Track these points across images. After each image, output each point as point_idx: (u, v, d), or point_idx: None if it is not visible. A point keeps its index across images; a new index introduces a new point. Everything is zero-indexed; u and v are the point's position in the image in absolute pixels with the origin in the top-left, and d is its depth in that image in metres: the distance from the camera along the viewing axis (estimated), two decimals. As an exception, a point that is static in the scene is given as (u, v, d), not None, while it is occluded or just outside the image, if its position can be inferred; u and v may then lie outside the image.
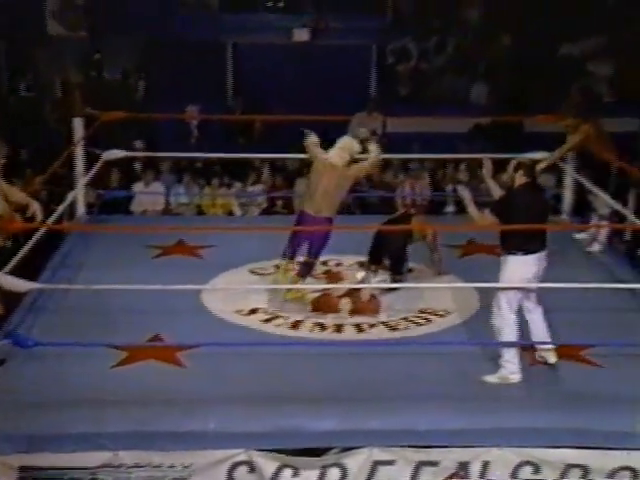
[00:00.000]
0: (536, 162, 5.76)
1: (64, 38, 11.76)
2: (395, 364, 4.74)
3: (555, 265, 4.84)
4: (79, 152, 7.01)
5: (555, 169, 7.55)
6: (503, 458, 4.23)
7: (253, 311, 5.46)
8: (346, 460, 4.22)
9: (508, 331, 4.59)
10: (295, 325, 5.30)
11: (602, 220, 6.68)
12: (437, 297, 5.59)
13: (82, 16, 11.79)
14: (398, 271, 5.71)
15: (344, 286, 5.65)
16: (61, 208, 6.55)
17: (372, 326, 5.30)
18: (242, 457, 4.19)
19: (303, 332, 5.22)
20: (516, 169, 4.68)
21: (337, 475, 4.22)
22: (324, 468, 4.22)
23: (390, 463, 4.22)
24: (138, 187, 9.15)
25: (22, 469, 4.11)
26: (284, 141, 9.58)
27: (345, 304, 5.47)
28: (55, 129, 10.18)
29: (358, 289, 5.55)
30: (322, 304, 5.52)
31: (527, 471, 4.25)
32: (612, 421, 4.27)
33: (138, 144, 9.79)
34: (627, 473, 4.24)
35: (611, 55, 11.19)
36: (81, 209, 7.13)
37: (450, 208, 8.88)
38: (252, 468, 4.19)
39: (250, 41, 11.62)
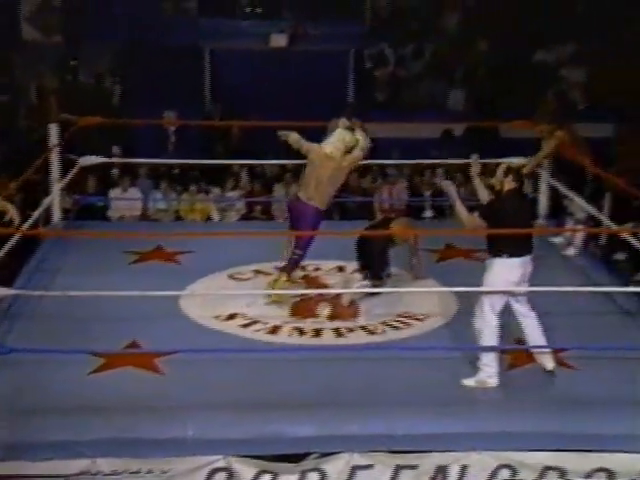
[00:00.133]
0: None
1: (39, 43, 11.67)
2: (373, 369, 4.75)
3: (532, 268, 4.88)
4: (55, 157, 6.95)
5: (531, 174, 7.62)
6: (481, 462, 4.26)
7: (232, 316, 5.45)
8: (325, 465, 4.22)
9: (488, 333, 4.62)
10: (274, 330, 5.29)
11: (578, 224, 6.75)
12: (416, 301, 5.61)
13: (58, 21, 11.71)
14: (377, 276, 5.73)
15: (327, 291, 5.67)
16: (36, 213, 6.49)
17: (351, 331, 5.30)
18: (221, 463, 4.17)
19: (282, 337, 5.21)
20: (506, 174, 4.73)
21: (316, 480, 4.22)
22: (303, 473, 4.22)
23: (369, 468, 4.22)
24: (115, 193, 9.10)
25: (-2, 478, 4.07)
26: (262, 147, 9.60)
27: (324, 309, 5.48)
28: (28, 134, 10.10)
29: (338, 294, 5.56)
30: (301, 309, 5.52)
31: (505, 474, 4.27)
32: (589, 424, 4.31)
33: (115, 150, 9.74)
34: (603, 474, 4.27)
35: (584, 61, 11.33)
36: (57, 215, 7.06)
37: (428, 213, 8.93)
38: (231, 474, 4.17)
39: (228, 47, 11.60)
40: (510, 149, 7.06)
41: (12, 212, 4.92)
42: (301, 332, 5.27)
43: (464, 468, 4.25)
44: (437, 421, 4.29)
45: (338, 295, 5.60)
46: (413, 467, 4.24)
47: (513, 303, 4.70)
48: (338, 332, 5.28)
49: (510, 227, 4.56)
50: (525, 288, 4.68)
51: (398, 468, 4.24)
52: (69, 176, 7.05)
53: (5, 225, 4.99)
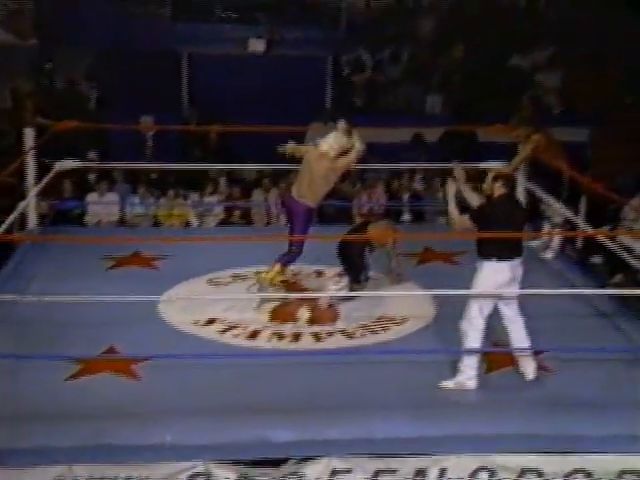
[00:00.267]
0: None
1: (13, 46, 11.54)
2: (353, 373, 4.75)
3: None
4: (30, 162, 6.88)
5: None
6: (460, 465, 4.27)
7: (211, 321, 5.42)
8: (304, 470, 4.20)
9: (472, 335, 4.64)
10: (253, 335, 5.27)
11: (555, 228, 6.80)
12: (395, 305, 5.62)
13: (32, 24, 11.60)
14: (356, 279, 5.73)
15: (309, 295, 5.66)
16: (11, 218, 6.41)
17: (330, 335, 5.30)
18: (200, 469, 4.14)
19: (261, 342, 5.19)
20: (495, 180, 4.76)
21: (296, 485, 4.20)
22: (282, 478, 4.20)
23: (348, 472, 4.22)
24: (92, 198, 9.03)
25: (-29, 486, 4.01)
26: (240, 152, 9.57)
27: (303, 313, 5.46)
28: (1, 138, 9.98)
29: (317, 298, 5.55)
30: (280, 313, 5.50)
31: (483, 476, 4.28)
32: (567, 425, 4.33)
33: (92, 155, 9.66)
34: (581, 475, 4.30)
35: (559, 66, 11.44)
36: (33, 220, 6.99)
37: (406, 217, 8.97)
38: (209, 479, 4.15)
39: (205, 51, 11.56)
40: (489, 153, 7.11)
41: None
42: (280, 337, 5.26)
43: (443, 471, 4.26)
44: (416, 424, 4.30)
45: (318, 299, 5.59)
46: (392, 471, 4.24)
47: (502, 306, 4.73)
48: (317, 336, 5.28)
49: (500, 231, 4.60)
50: (514, 291, 4.71)
51: (377, 472, 4.23)
52: (45, 180, 6.98)
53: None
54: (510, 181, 4.88)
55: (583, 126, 10.51)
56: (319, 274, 6.19)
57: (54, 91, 11.24)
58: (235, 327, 5.35)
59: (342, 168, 5.63)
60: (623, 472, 4.28)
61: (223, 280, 6.11)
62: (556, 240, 6.70)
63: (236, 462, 4.17)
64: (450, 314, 5.00)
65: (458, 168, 5.11)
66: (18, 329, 5.09)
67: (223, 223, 8.94)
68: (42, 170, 7.04)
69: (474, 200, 4.95)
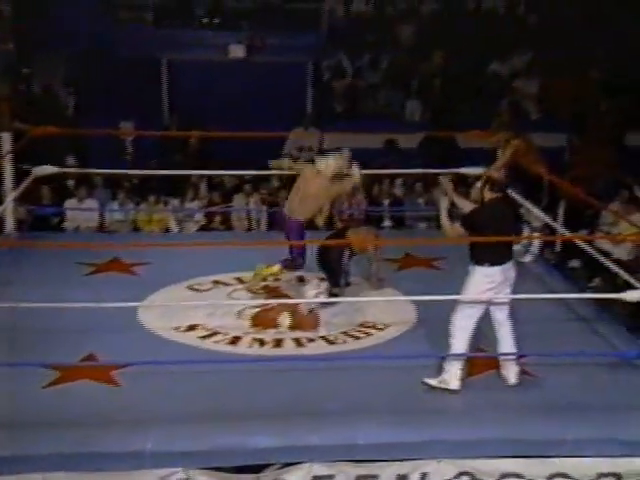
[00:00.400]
0: (478, 177, 5.90)
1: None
2: (334, 379, 4.74)
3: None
4: (7, 167, 6.82)
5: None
6: (441, 470, 4.27)
7: (191, 327, 5.39)
8: (286, 476, 4.19)
9: (460, 337, 4.65)
10: (234, 341, 5.25)
11: (534, 232, 6.85)
12: (376, 310, 5.62)
13: (9, 28, 11.49)
14: (335, 284, 5.73)
15: (287, 301, 5.65)
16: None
17: (311, 341, 5.29)
18: (180, 475, 4.11)
19: (242, 348, 5.17)
20: (484, 184, 4.78)
21: (277, 491, 4.19)
22: (264, 484, 4.18)
23: (330, 478, 4.21)
24: (71, 203, 8.95)
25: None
26: (221, 158, 9.54)
27: (284, 319, 5.45)
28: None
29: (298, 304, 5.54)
30: (261, 319, 5.48)
31: (464, 481, 4.30)
32: (546, 429, 4.35)
33: (70, 160, 9.58)
34: (560, 479, 4.31)
35: (537, 72, 11.54)
36: (10, 225, 6.93)
37: (387, 222, 8.99)
38: (191, 487, 4.12)
39: (185, 57, 11.53)
40: (469, 159, 7.14)
41: None
42: (262, 343, 5.24)
43: (424, 476, 4.26)
44: (397, 430, 4.30)
45: (298, 305, 5.58)
46: (374, 477, 4.24)
47: (493, 310, 4.75)
48: (299, 342, 5.26)
49: (492, 236, 4.61)
50: (504, 296, 4.72)
51: (359, 477, 4.23)
52: (22, 186, 6.92)
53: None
54: (500, 185, 4.86)
55: (561, 132, 10.61)
56: (301, 280, 6.18)
57: (32, 96, 11.13)
58: (216, 333, 5.32)
59: (334, 193, 5.76)
60: (601, 475, 4.30)
61: (204, 286, 6.08)
62: (535, 244, 6.75)
63: (217, 469, 4.15)
64: (431, 319, 5.00)
65: (446, 181, 5.13)
66: (-5, 336, 5.03)
67: (203, 229, 8.91)
68: (20, 175, 6.98)
69: (466, 206, 4.96)
